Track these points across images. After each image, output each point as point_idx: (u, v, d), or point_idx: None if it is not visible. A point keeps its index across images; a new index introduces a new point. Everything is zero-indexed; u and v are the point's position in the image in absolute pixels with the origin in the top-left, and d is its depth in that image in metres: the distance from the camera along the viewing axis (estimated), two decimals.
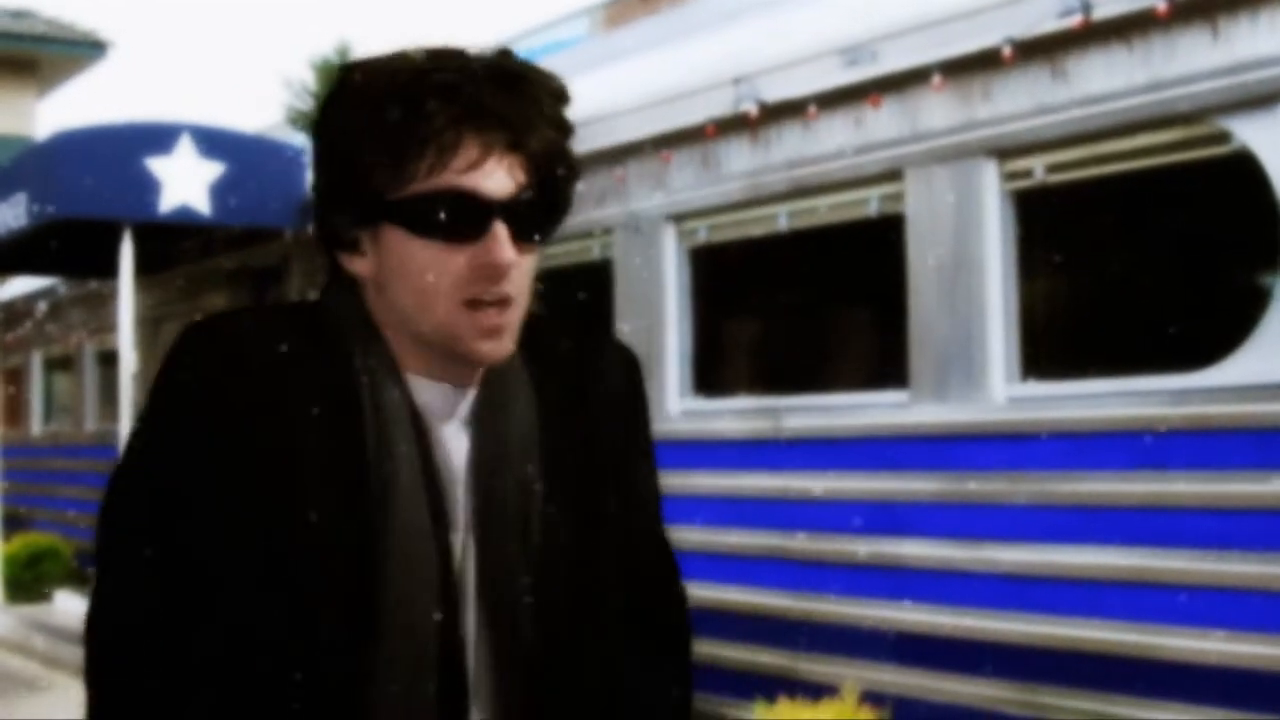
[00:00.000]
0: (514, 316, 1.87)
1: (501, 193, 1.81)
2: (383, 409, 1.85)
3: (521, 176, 1.82)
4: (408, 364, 1.90)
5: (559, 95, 1.87)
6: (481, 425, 1.92)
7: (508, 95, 1.80)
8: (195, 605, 1.81)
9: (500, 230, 1.81)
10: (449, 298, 1.82)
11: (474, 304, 1.82)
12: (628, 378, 2.08)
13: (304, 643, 1.78)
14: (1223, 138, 6.39)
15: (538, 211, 1.85)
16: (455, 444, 1.92)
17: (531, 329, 1.95)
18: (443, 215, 1.80)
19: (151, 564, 1.83)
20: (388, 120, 1.78)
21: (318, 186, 1.90)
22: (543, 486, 1.91)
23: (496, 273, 1.81)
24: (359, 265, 1.87)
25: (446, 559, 1.87)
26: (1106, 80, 6.71)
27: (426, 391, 1.91)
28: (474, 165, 1.79)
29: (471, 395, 1.93)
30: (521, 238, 1.83)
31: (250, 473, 1.80)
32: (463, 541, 1.90)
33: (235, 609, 1.81)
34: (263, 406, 1.82)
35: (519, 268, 1.84)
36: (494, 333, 1.85)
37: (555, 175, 1.85)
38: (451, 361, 1.89)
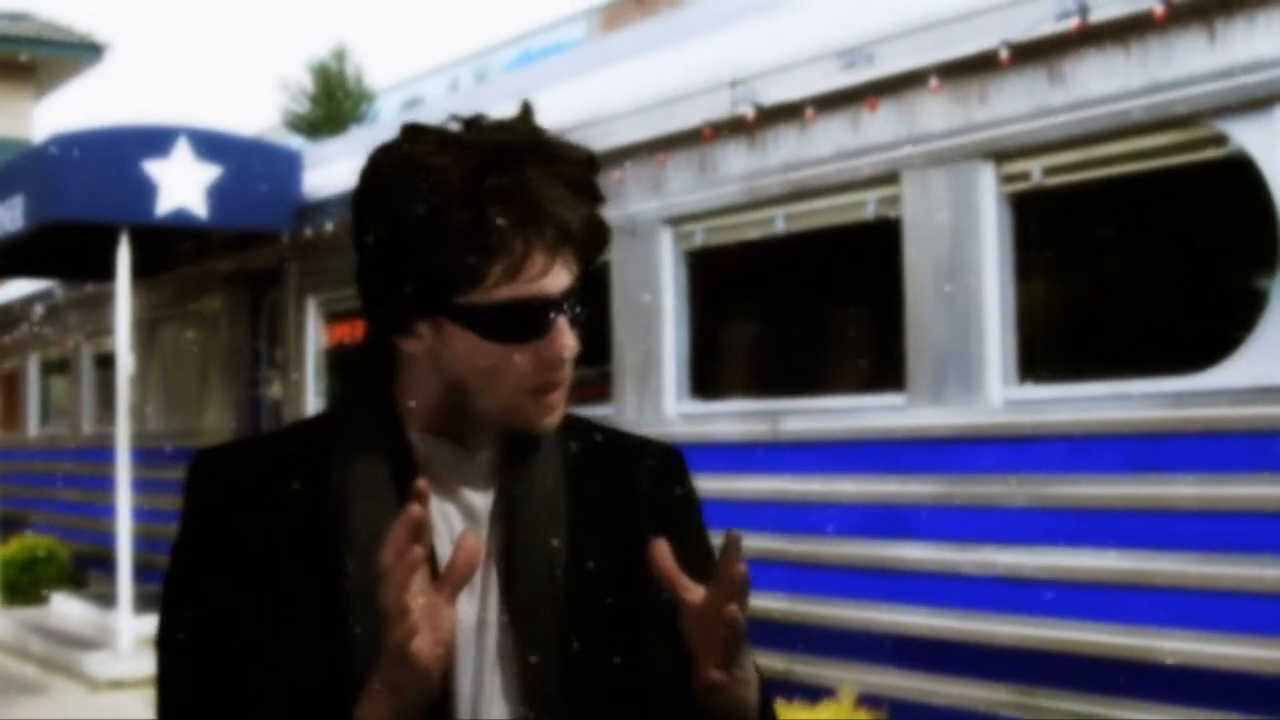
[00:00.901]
0: (565, 392, 1.92)
1: (562, 289, 1.85)
2: (363, 490, 1.88)
3: (574, 265, 1.87)
4: (415, 423, 1.92)
5: (589, 166, 1.90)
6: (506, 483, 1.93)
7: (559, 190, 1.83)
8: (216, 689, 1.88)
9: (563, 325, 1.85)
10: (515, 387, 1.86)
11: (538, 390, 1.87)
12: (671, 464, 2.09)
13: None
14: (1220, 140, 6.39)
15: (583, 292, 1.90)
16: (471, 502, 1.93)
17: None
18: (507, 325, 1.84)
19: (182, 657, 1.94)
20: (454, 224, 1.81)
21: (373, 269, 1.93)
22: (569, 548, 1.92)
23: (563, 364, 1.86)
24: (413, 346, 1.90)
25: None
26: (1103, 83, 6.71)
27: (432, 449, 1.92)
28: (542, 273, 1.83)
29: (484, 456, 1.94)
30: (575, 322, 1.88)
31: (249, 579, 1.88)
32: (479, 608, 1.89)
33: (247, 700, 1.86)
34: (252, 526, 1.91)
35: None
36: (554, 409, 1.90)
37: (597, 252, 1.91)
38: (482, 427, 1.92)
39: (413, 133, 1.87)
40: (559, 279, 1.84)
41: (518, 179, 1.81)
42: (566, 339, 1.85)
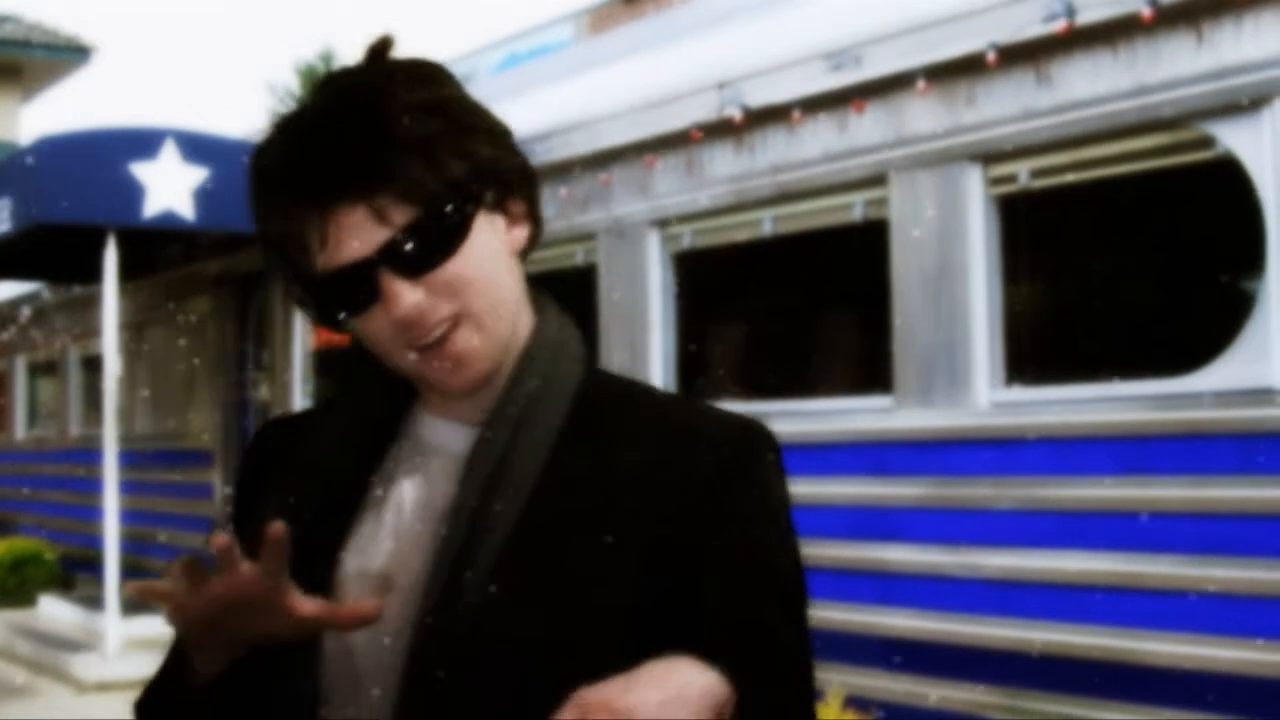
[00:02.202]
0: (469, 336, 1.76)
1: (371, 248, 1.70)
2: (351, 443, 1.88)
3: (395, 216, 1.70)
4: (430, 405, 1.88)
5: (403, 107, 1.72)
6: (468, 466, 1.80)
7: (345, 143, 1.70)
8: None
9: (389, 283, 1.71)
10: (398, 350, 1.76)
11: (418, 349, 1.75)
12: (723, 453, 1.81)
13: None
14: (1207, 143, 6.40)
15: (426, 238, 1.71)
16: (450, 447, 1.84)
17: (624, 393, 1.88)
18: (336, 301, 1.77)
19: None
20: (256, 214, 1.79)
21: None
22: (519, 516, 1.75)
23: (407, 322, 1.73)
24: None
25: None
26: (1091, 85, 6.72)
27: (438, 430, 1.86)
28: (325, 241, 1.72)
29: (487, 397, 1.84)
30: (421, 270, 1.71)
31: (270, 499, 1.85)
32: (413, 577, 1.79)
33: None
34: (275, 480, 1.90)
35: (444, 285, 1.73)
36: (454, 363, 1.76)
37: (433, 194, 1.71)
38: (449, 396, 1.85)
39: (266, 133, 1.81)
40: (365, 235, 1.69)
41: (291, 148, 1.74)
42: (400, 299, 1.70)
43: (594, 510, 1.75)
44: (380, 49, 1.82)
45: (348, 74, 1.81)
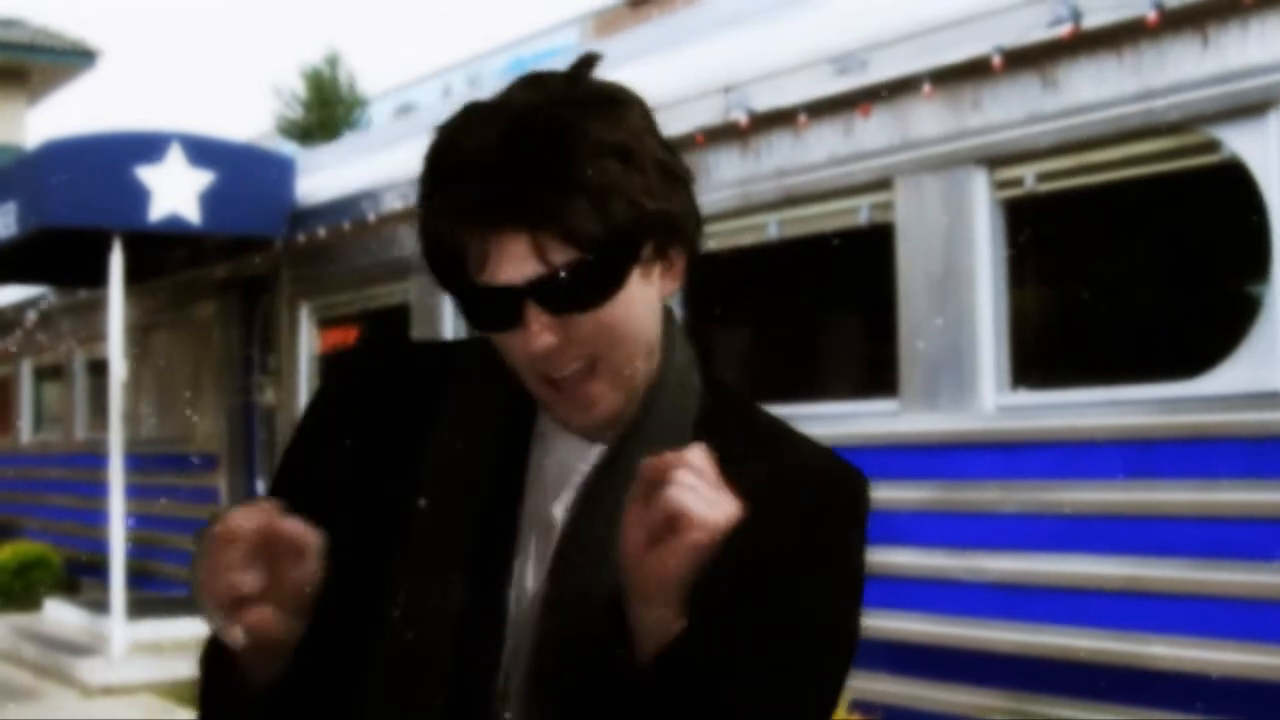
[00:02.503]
0: (600, 383, 1.76)
1: (522, 278, 1.69)
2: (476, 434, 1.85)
3: (553, 255, 1.68)
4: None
5: (597, 144, 1.70)
6: (582, 495, 1.80)
7: (521, 172, 1.68)
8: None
9: (534, 317, 1.70)
10: (530, 376, 1.77)
11: (549, 382, 1.75)
12: (822, 495, 1.84)
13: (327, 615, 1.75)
14: (1212, 147, 6.40)
15: (579, 282, 1.70)
16: (572, 463, 1.84)
17: (725, 425, 1.82)
18: (478, 315, 1.77)
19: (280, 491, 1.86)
20: (424, 199, 1.77)
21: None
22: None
23: (542, 359, 1.72)
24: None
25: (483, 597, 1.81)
26: (1096, 89, 6.71)
27: (561, 445, 1.85)
28: (483, 259, 1.70)
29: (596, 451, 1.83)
30: (566, 311, 1.70)
31: (346, 465, 1.87)
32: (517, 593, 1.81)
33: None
34: (366, 421, 1.90)
35: (586, 331, 1.72)
36: (581, 406, 1.76)
37: (595, 239, 1.68)
38: None
39: (453, 120, 1.79)
40: (520, 266, 1.68)
41: (476, 161, 1.71)
42: (538, 336, 1.70)
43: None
44: (585, 65, 1.80)
45: (547, 87, 1.77)
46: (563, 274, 1.69)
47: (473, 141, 1.73)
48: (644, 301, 1.77)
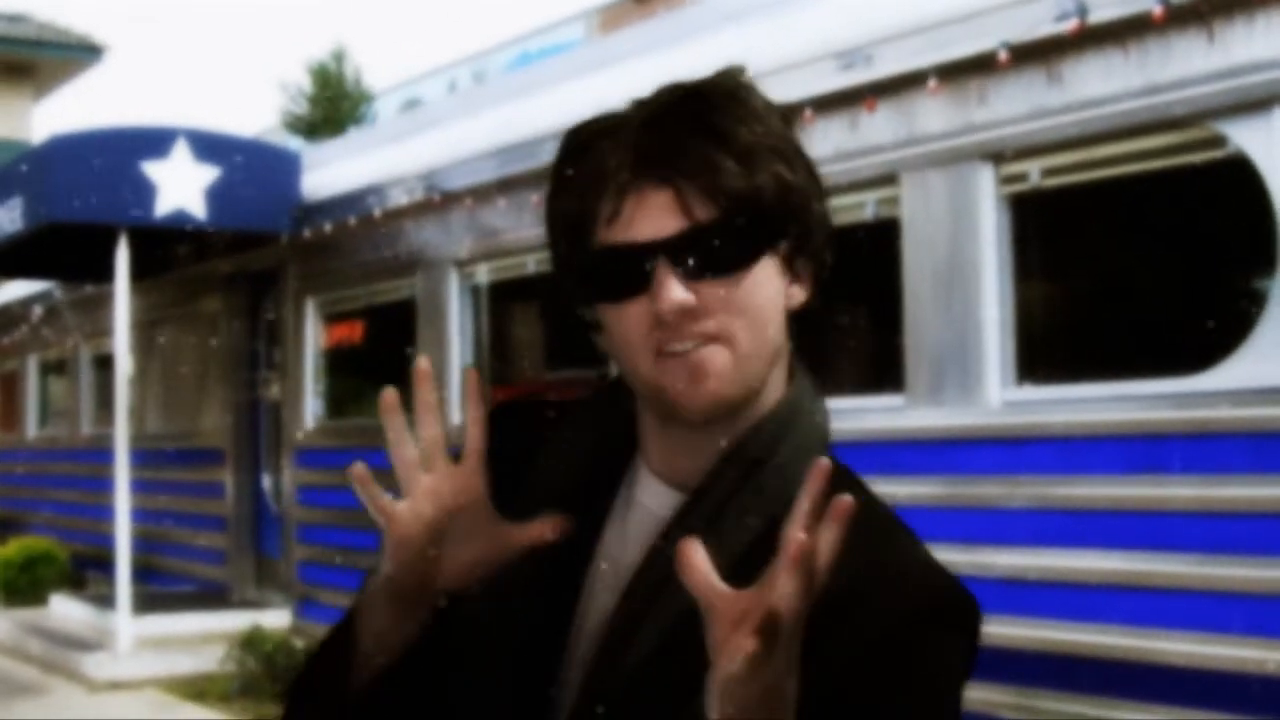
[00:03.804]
0: (721, 355, 1.66)
1: (662, 234, 1.63)
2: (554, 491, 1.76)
3: (697, 211, 1.62)
4: (649, 459, 1.78)
5: (749, 117, 1.69)
6: (689, 503, 1.70)
7: (663, 130, 1.66)
8: None
9: (664, 274, 1.62)
10: (643, 351, 1.66)
11: (665, 354, 1.65)
12: (918, 607, 1.64)
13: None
14: (1218, 142, 6.39)
15: (719, 242, 1.63)
16: (655, 502, 1.76)
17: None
18: (602, 279, 1.68)
19: None
20: (557, 183, 1.73)
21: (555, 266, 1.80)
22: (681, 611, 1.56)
23: (667, 318, 1.63)
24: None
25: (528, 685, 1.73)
26: (1102, 84, 6.71)
27: (654, 495, 1.76)
28: (615, 214, 1.65)
29: (712, 447, 1.71)
30: (700, 274, 1.63)
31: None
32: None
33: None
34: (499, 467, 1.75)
35: (716, 301, 1.65)
36: (695, 374, 1.65)
37: (729, 201, 1.63)
38: (684, 444, 1.72)
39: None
40: (656, 222, 1.63)
41: (628, 121, 1.69)
42: (668, 292, 1.61)
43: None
44: (734, 72, 1.79)
45: (689, 79, 1.75)
46: (702, 233, 1.63)
47: (616, 117, 1.73)
48: (775, 294, 1.72)
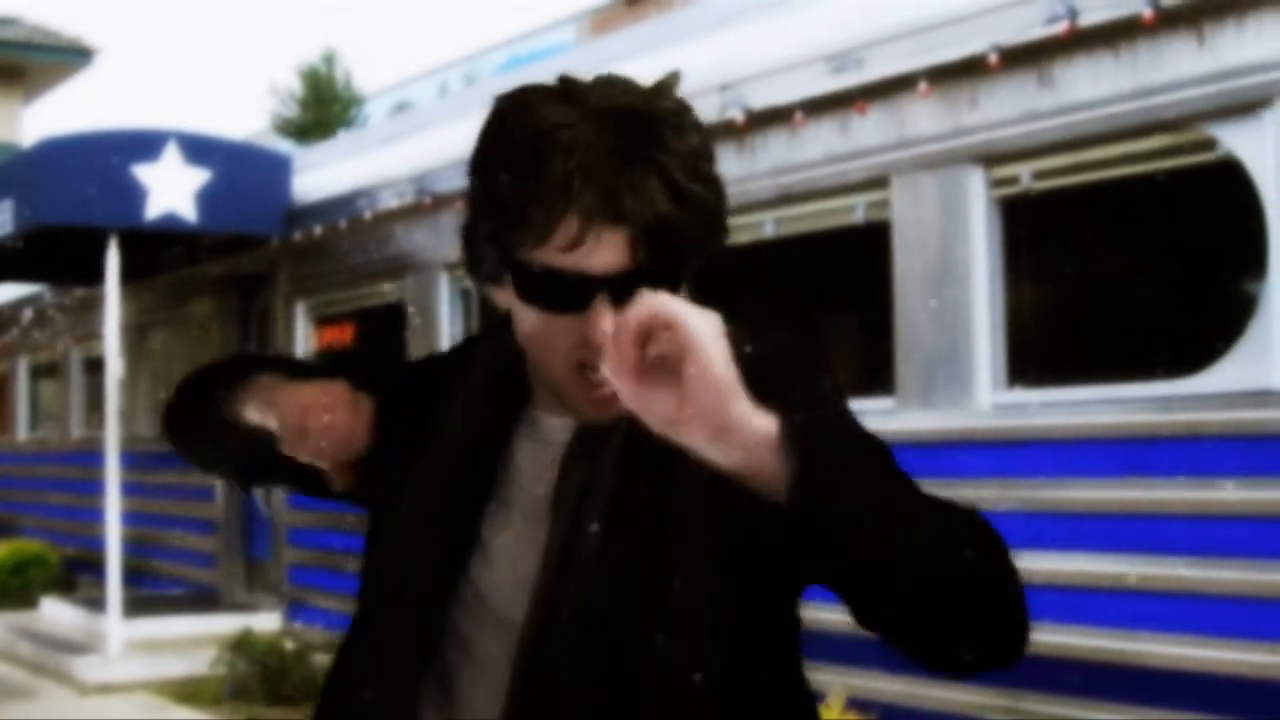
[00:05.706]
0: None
1: (606, 268, 1.76)
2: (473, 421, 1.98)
3: (639, 251, 1.77)
4: (539, 402, 1.97)
5: (691, 155, 1.82)
6: (566, 460, 1.92)
7: (620, 162, 1.75)
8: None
9: (603, 308, 1.76)
10: (562, 359, 1.83)
11: (584, 367, 1.82)
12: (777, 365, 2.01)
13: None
14: (1209, 145, 6.40)
15: (653, 282, 1.74)
16: (554, 434, 1.95)
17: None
18: (542, 293, 1.80)
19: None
20: (502, 182, 1.80)
21: (471, 214, 1.90)
22: (600, 536, 1.85)
23: (596, 346, 1.74)
24: (501, 296, 1.91)
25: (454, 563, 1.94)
26: (1093, 87, 6.72)
27: (551, 429, 1.95)
28: (574, 243, 1.75)
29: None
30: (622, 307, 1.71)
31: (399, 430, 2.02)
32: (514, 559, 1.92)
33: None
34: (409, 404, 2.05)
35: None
36: (604, 403, 1.78)
37: (668, 246, 1.78)
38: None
39: (534, 88, 1.84)
40: (601, 255, 1.75)
41: (581, 142, 1.76)
42: (604, 321, 1.74)
43: (668, 467, 1.78)
44: (671, 84, 1.89)
45: (631, 88, 1.84)
46: (645, 274, 1.76)
47: (582, 126, 1.77)
48: None
